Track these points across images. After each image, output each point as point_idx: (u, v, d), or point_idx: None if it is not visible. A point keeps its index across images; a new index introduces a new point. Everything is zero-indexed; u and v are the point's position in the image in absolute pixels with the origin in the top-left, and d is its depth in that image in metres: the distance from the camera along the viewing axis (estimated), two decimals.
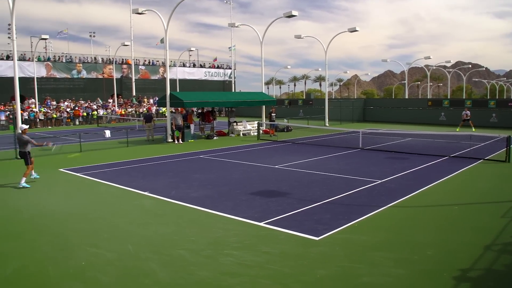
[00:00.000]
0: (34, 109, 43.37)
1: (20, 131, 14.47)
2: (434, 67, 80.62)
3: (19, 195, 12.85)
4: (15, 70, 20.50)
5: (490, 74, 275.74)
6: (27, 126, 15.09)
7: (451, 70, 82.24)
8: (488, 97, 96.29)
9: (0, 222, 10.08)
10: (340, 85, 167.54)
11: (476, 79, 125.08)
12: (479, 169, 16.39)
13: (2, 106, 42.21)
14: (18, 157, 15.46)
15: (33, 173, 14.78)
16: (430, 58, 60.55)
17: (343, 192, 12.52)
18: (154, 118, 30.21)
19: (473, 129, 32.34)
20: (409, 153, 20.44)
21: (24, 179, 13.70)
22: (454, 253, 7.76)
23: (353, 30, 36.37)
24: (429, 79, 74.26)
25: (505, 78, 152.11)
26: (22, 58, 48.34)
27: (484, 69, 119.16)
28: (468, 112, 33.95)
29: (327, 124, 39.04)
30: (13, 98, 39.66)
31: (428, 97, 72.76)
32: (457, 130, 33.02)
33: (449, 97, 74.74)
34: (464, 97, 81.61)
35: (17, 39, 20.61)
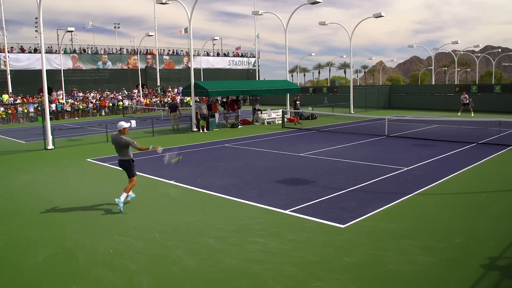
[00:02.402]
0: (61, 101, 44.15)
1: (118, 131, 10.42)
2: (462, 52, 78.84)
3: (47, 184, 13.15)
4: (42, 62, 20.87)
5: None
6: (128, 125, 10.59)
7: (479, 55, 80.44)
8: None
9: (31, 211, 10.33)
10: (365, 72, 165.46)
11: (506, 64, 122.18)
12: (508, 156, 16.03)
13: (31, 98, 43.08)
14: (119, 168, 10.85)
15: (131, 192, 10.57)
16: (457, 43, 59.37)
17: (368, 179, 12.42)
18: (179, 108, 30.38)
19: (472, 114, 32.72)
20: (436, 140, 20.13)
21: (125, 195, 10.18)
22: (482, 241, 7.65)
23: (378, 16, 35.79)
24: (457, 64, 72.76)
25: None
26: (49, 51, 49.10)
27: None
28: (467, 96, 34.27)
29: (352, 112, 38.67)
30: (41, 90, 40.53)
31: (456, 83, 71.36)
32: (458, 115, 33.27)
33: (477, 83, 73.17)
34: (493, 82, 79.77)
35: (44, 32, 20.95)
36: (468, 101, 33.93)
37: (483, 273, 6.36)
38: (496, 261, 6.79)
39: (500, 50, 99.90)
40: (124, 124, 10.36)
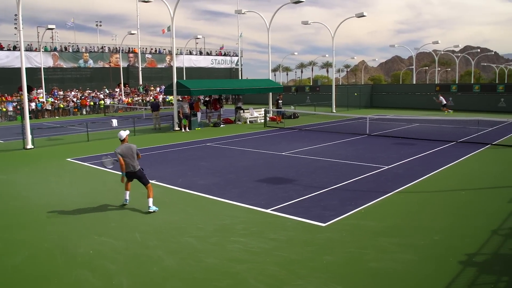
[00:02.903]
0: (41, 99, 43.54)
1: (121, 141, 10.03)
2: (442, 52, 79.67)
3: (26, 184, 12.96)
4: (22, 60, 20.52)
5: (499, 58, 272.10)
6: (127, 133, 10.19)
7: (459, 54, 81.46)
8: (497, 82, 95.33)
9: (9, 212, 10.18)
10: (347, 71, 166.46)
11: (485, 64, 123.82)
12: (487, 154, 16.30)
13: (9, 97, 42.39)
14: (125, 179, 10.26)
15: (127, 195, 10.40)
16: (438, 43, 60.03)
17: (350, 178, 12.51)
18: (161, 107, 30.21)
19: (445, 113, 34.54)
20: (416, 138, 20.36)
21: (151, 200, 9.89)
22: (461, 238, 7.76)
23: (360, 16, 36.01)
24: (437, 64, 73.52)
25: None
26: (29, 49, 48.38)
27: (493, 53, 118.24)
28: (442, 98, 35.70)
29: (334, 111, 38.88)
30: (20, 88, 39.82)
31: (436, 82, 72.13)
32: (449, 113, 34.50)
33: (457, 82, 74.12)
34: (472, 82, 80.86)
35: (23, 29, 20.63)
36: (442, 102, 35.20)
37: (461, 269, 6.46)
38: (473, 257, 6.90)
39: (479, 50, 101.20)
40: (125, 133, 10.09)
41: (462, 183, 11.86)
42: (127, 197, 10.36)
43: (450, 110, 35.42)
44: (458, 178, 12.46)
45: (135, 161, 9.90)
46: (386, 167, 13.96)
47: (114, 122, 28.38)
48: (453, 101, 39.30)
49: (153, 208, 9.85)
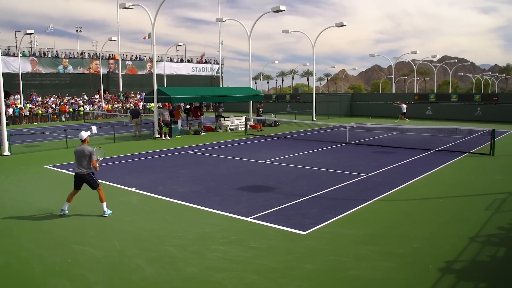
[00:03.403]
0: (19, 105, 42.87)
1: (82, 141, 10.05)
2: (421, 62, 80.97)
3: (2, 192, 12.71)
4: None
5: (476, 68, 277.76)
6: (88, 133, 10.18)
7: (437, 64, 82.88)
8: (474, 91, 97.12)
9: None
10: (327, 80, 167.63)
11: (462, 74, 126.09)
12: (465, 162, 16.55)
13: None
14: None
15: (66, 207, 10.13)
16: (417, 53, 61.01)
17: (330, 186, 12.56)
18: (141, 114, 30.01)
19: (407, 121, 35.15)
20: (396, 147, 20.58)
21: (104, 203, 9.98)
22: (440, 245, 7.84)
23: (340, 25, 36.43)
24: (416, 73, 74.67)
25: (490, 73, 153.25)
26: (6, 53, 47.73)
27: (469, 63, 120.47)
28: (404, 105, 36.17)
29: (315, 119, 39.11)
30: None
31: (415, 92, 73.17)
32: (405, 121, 35.05)
33: (435, 91, 75.28)
34: (450, 91, 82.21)
35: (1, 34, 20.35)
36: (405, 111, 35.58)
37: (440, 276, 6.52)
38: (452, 264, 6.98)
39: (456, 60, 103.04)
40: (86, 134, 10.03)
41: (441, 191, 12.00)
42: (66, 208, 10.08)
43: (407, 119, 35.74)
44: (437, 186, 12.61)
45: (83, 165, 9.82)
46: (366, 175, 14.07)
47: (94, 129, 28.07)
48: (431, 109, 39.90)
49: (108, 212, 9.93)
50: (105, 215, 9.88)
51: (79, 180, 10.04)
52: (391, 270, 6.81)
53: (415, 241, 8.07)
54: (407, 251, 7.58)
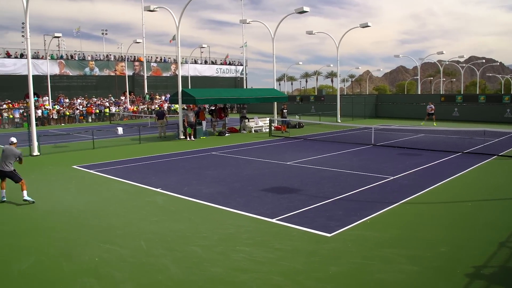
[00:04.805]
0: (47, 107, 43.78)
1: (11, 143, 12.14)
2: (447, 62, 79.76)
3: (33, 192, 12.98)
4: (29, 68, 20.69)
5: (505, 68, 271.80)
6: (15, 140, 12.42)
7: (464, 65, 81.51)
8: (503, 92, 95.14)
9: (16, 219, 10.22)
10: (352, 81, 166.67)
11: (490, 74, 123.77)
12: (493, 165, 16.22)
13: (16, 104, 42.66)
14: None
15: (3, 193, 11.79)
16: (443, 53, 60.15)
17: (355, 188, 12.47)
18: (166, 115, 30.30)
19: (435, 123, 33.74)
20: (422, 149, 20.30)
21: (25, 192, 11.52)
22: (468, 250, 7.71)
23: (365, 26, 36.18)
24: (442, 74, 73.63)
25: None
26: (35, 57, 48.72)
27: (498, 63, 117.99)
28: (433, 106, 35.00)
29: (339, 120, 38.88)
30: (27, 95, 40.08)
31: (441, 93, 72.12)
32: (422, 124, 34.12)
33: (462, 93, 74.04)
34: (477, 93, 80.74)
35: (30, 37, 20.79)
36: (433, 111, 34.56)
37: (468, 282, 6.40)
38: (481, 270, 6.84)
39: (484, 60, 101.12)
40: (15, 139, 12.28)
41: (468, 194, 11.80)
42: (3, 195, 11.71)
43: (435, 122, 34.81)
44: (464, 189, 12.40)
45: (8, 163, 11.56)
46: (392, 178, 13.92)
47: (120, 130, 28.48)
48: (458, 111, 39.24)
49: (27, 198, 11.37)
50: (25, 198, 11.33)
51: (3, 175, 11.69)
52: (418, 274, 6.72)
53: (442, 245, 7.95)
54: (434, 255, 7.47)
